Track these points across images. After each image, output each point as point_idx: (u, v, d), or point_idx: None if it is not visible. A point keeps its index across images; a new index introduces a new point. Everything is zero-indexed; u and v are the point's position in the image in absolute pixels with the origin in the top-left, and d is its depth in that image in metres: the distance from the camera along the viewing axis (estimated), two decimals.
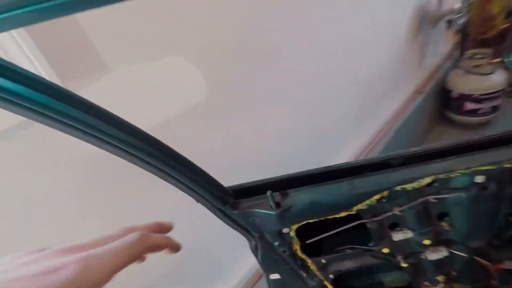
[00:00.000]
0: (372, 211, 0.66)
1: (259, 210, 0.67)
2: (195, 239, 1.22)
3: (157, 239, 0.30)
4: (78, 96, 0.38)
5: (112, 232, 0.28)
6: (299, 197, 0.64)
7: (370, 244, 0.74)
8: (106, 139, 0.42)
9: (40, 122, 0.36)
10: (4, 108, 0.33)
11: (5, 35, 0.65)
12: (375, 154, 1.95)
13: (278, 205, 0.65)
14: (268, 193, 0.62)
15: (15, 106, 0.33)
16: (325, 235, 0.79)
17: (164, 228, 0.37)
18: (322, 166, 0.65)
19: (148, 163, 0.49)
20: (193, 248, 1.21)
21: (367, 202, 0.63)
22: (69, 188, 0.87)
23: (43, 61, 0.67)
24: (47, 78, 0.68)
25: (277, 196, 0.66)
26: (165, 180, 0.55)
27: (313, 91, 1.54)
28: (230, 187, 0.67)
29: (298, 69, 1.43)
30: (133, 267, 0.26)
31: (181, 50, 1.00)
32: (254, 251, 0.79)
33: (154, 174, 0.52)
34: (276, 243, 0.76)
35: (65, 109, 0.36)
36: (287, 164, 1.43)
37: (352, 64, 1.72)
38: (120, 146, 0.44)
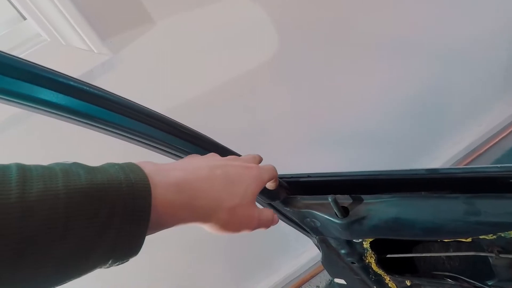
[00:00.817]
0: (504, 244, 0.41)
1: (320, 214, 0.49)
2: None
3: (276, 173, 0.39)
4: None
5: (247, 156, 0.39)
6: (379, 208, 0.44)
7: (490, 283, 0.50)
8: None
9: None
10: None
11: None
12: None
13: (345, 212, 0.47)
14: (330, 198, 0.43)
15: None
16: (418, 255, 0.58)
17: (261, 159, 0.42)
18: (431, 158, 0.42)
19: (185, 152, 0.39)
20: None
21: (500, 234, 0.39)
22: None
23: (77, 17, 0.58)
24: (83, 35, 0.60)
25: (346, 200, 0.46)
26: None
27: (448, 41, 1.10)
28: (284, 177, 0.51)
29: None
30: None
31: None
32: (318, 247, 0.64)
33: None
34: (343, 251, 0.59)
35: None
36: (382, 145, 1.15)
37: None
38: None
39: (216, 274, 1.26)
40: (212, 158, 0.35)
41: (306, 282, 1.27)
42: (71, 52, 0.60)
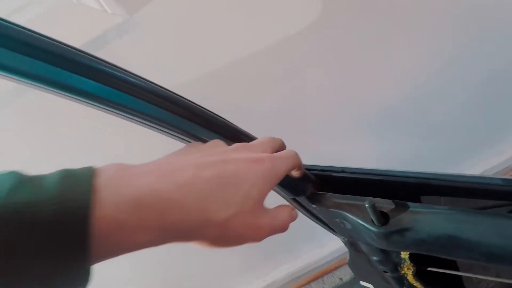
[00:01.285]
0: None
1: (352, 217, 0.41)
2: None
3: (300, 161, 0.32)
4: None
5: (262, 140, 0.31)
6: (429, 220, 0.35)
7: None
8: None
9: None
10: None
11: None
12: None
13: (385, 218, 0.38)
14: (367, 203, 0.35)
15: None
16: (466, 274, 0.49)
17: (283, 145, 0.35)
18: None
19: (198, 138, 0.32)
20: None
21: None
22: None
23: None
24: None
25: (387, 204, 0.38)
26: None
27: None
28: (313, 169, 0.43)
29: None
30: None
31: None
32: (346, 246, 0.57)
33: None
34: (375, 258, 0.51)
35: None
36: (442, 134, 1.02)
37: None
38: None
39: (235, 253, 1.23)
40: (208, 151, 0.27)
41: (329, 272, 1.21)
42: (82, 11, 0.54)
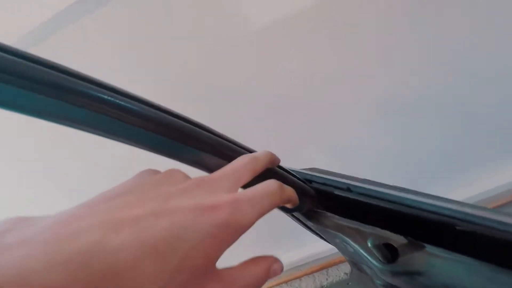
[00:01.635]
0: None
1: (355, 245, 0.35)
2: None
3: (289, 193, 0.25)
4: None
5: (237, 163, 0.23)
6: (451, 269, 0.28)
7: None
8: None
9: None
10: None
11: None
12: None
13: (393, 254, 0.32)
14: (369, 243, 0.29)
15: None
16: None
17: (276, 161, 0.30)
18: None
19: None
20: None
21: None
22: None
23: None
24: None
25: (398, 239, 0.31)
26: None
27: None
28: (313, 180, 0.36)
29: None
30: None
31: None
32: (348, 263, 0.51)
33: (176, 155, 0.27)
34: (379, 283, 0.45)
35: None
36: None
37: None
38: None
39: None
40: (147, 192, 0.19)
41: (334, 265, 1.16)
42: None
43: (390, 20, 0.72)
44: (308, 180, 0.36)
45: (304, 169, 0.48)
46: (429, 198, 0.33)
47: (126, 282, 0.15)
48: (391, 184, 0.42)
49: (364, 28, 0.71)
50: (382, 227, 0.32)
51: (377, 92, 0.83)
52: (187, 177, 0.22)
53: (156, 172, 0.22)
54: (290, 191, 0.25)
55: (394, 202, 0.31)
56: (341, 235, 0.36)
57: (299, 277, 1.19)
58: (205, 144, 0.27)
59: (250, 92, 0.76)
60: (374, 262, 0.32)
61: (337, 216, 0.35)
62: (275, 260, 0.22)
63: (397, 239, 0.31)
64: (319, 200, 0.36)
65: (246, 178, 0.23)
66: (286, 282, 1.20)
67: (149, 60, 0.74)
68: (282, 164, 0.47)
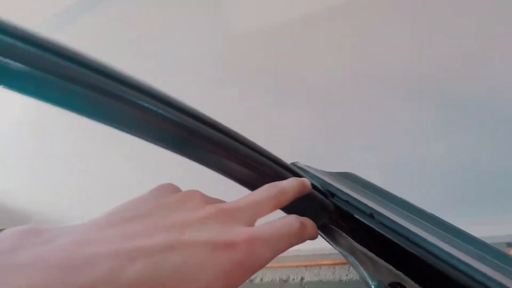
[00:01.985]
0: None
1: (365, 274, 0.32)
2: None
3: (310, 232, 0.23)
4: None
5: (261, 195, 0.22)
6: None
7: None
8: None
9: None
10: None
11: None
12: None
13: None
14: (374, 285, 0.26)
15: None
16: None
17: (305, 191, 0.27)
18: None
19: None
20: None
21: None
22: None
23: None
24: None
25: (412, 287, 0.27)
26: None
27: None
28: (336, 194, 0.33)
29: None
30: None
31: None
32: None
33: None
34: None
35: None
36: None
37: None
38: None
39: None
40: (162, 218, 0.18)
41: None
42: None
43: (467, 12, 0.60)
44: (331, 193, 0.33)
45: (335, 173, 0.44)
46: (466, 249, 0.28)
47: None
48: (429, 212, 0.37)
49: (437, 16, 0.60)
50: (398, 268, 0.28)
51: (451, 99, 0.73)
52: (205, 201, 0.21)
53: (175, 189, 0.22)
54: (310, 229, 0.23)
55: (419, 246, 0.27)
56: (353, 258, 0.34)
57: (319, 265, 1.18)
58: (231, 152, 0.25)
59: (294, 81, 0.72)
60: None
61: (352, 240, 0.32)
62: None
63: (411, 286, 0.28)
64: (336, 217, 0.33)
65: (266, 213, 0.22)
66: (305, 266, 1.21)
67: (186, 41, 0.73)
68: (314, 163, 0.44)
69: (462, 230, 0.33)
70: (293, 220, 0.22)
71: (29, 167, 1.31)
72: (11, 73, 0.19)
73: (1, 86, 0.20)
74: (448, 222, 0.33)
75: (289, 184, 0.25)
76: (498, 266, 0.25)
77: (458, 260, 0.25)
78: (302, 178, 0.27)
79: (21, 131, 1.18)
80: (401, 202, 0.38)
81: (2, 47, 0.18)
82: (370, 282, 0.31)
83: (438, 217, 0.34)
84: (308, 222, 0.23)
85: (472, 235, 0.32)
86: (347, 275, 1.13)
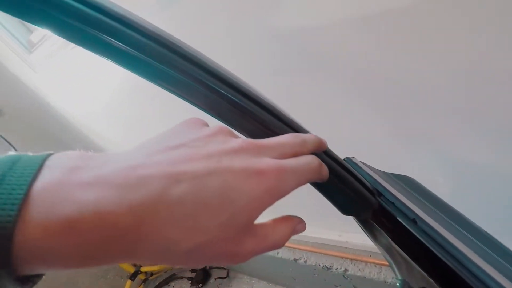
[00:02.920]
0: None
1: (398, 274, 0.33)
2: None
3: (326, 172, 0.26)
4: None
5: (286, 140, 0.24)
6: None
7: None
8: None
9: None
10: None
11: None
12: None
13: None
14: (400, 283, 0.27)
15: None
16: None
17: (323, 147, 0.29)
18: None
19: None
20: None
21: None
22: None
23: None
24: None
25: None
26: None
27: None
28: (383, 194, 0.34)
29: None
30: None
31: None
32: None
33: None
34: None
35: None
36: None
37: None
38: None
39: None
40: (199, 147, 0.20)
41: None
42: None
43: None
44: (378, 192, 0.35)
45: (392, 174, 0.44)
46: (507, 271, 0.27)
47: (180, 230, 0.17)
48: (480, 227, 0.36)
49: None
50: (431, 276, 0.29)
51: None
52: (235, 135, 0.24)
53: (204, 123, 0.24)
54: (326, 172, 0.26)
55: (455, 259, 0.27)
56: (389, 257, 0.35)
57: (365, 261, 1.17)
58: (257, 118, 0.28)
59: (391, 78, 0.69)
60: None
61: (390, 239, 0.33)
62: (300, 221, 0.24)
63: None
64: (380, 216, 0.34)
65: (289, 156, 0.23)
66: (351, 259, 1.21)
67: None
68: (371, 161, 0.45)
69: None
70: (314, 158, 0.24)
71: (126, 123, 1.53)
72: (116, 51, 0.25)
73: (109, 60, 0.25)
74: (498, 242, 0.32)
75: (310, 138, 0.26)
76: None
77: (493, 280, 0.25)
78: (320, 137, 0.28)
79: (122, 94, 1.37)
80: (453, 214, 0.37)
81: (108, 30, 0.24)
82: (397, 279, 0.32)
83: (489, 235, 0.33)
84: (324, 166, 0.26)
85: None
86: (392, 278, 1.10)
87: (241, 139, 0.23)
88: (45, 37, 1.42)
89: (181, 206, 0.17)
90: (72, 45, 1.30)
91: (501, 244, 0.32)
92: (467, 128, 0.70)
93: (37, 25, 0.23)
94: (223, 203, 0.18)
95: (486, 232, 0.35)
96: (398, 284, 0.29)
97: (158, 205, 0.17)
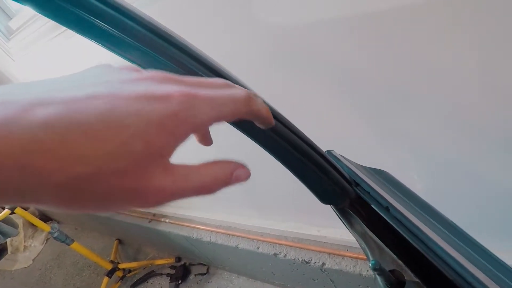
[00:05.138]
0: None
1: (370, 256, 0.36)
2: None
3: (260, 109, 0.22)
4: None
5: (213, 79, 0.21)
6: None
7: None
8: None
9: None
10: None
11: None
12: None
13: (399, 285, 0.32)
14: (371, 264, 0.29)
15: None
16: None
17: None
18: None
19: None
20: None
21: None
22: None
23: None
24: None
25: (411, 278, 0.31)
26: None
27: None
28: (360, 184, 0.37)
29: None
30: None
31: None
32: None
33: None
34: None
35: None
36: None
37: None
38: None
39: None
40: (104, 76, 0.18)
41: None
42: None
43: None
44: (356, 183, 0.37)
45: (369, 168, 0.47)
46: (470, 256, 0.30)
47: (50, 160, 0.14)
48: (449, 219, 0.39)
49: None
50: (401, 259, 0.32)
51: None
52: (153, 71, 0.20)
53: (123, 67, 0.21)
54: (261, 107, 0.23)
55: (423, 243, 0.30)
56: (363, 244, 0.37)
57: (342, 255, 1.21)
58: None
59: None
60: (380, 281, 0.33)
61: (364, 225, 0.36)
62: (241, 166, 0.21)
63: (409, 276, 0.31)
64: (357, 205, 0.37)
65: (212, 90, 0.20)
66: (328, 253, 1.24)
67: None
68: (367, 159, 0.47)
69: (477, 243, 0.35)
70: (242, 89, 0.21)
71: None
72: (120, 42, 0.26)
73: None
74: (461, 229, 0.35)
75: (242, 90, 0.22)
76: (494, 273, 0.28)
77: (455, 261, 0.28)
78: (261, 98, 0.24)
79: None
80: (423, 205, 0.40)
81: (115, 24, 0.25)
82: (369, 261, 0.35)
83: (454, 223, 0.36)
84: (259, 98, 0.23)
85: (484, 247, 0.34)
86: (367, 270, 1.15)
87: (161, 72, 0.20)
88: (25, 24, 1.38)
89: (47, 131, 0.14)
90: (54, 33, 1.27)
91: (464, 231, 0.36)
92: (442, 128, 0.74)
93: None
94: (109, 128, 0.16)
95: (452, 221, 0.38)
96: (370, 265, 0.31)
97: (13, 128, 0.14)
